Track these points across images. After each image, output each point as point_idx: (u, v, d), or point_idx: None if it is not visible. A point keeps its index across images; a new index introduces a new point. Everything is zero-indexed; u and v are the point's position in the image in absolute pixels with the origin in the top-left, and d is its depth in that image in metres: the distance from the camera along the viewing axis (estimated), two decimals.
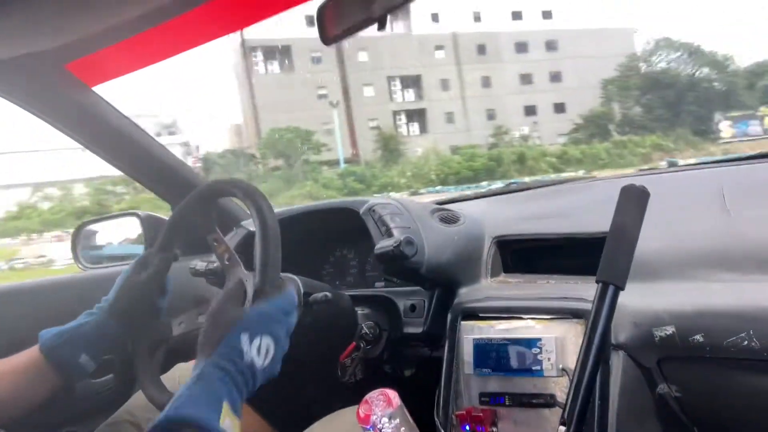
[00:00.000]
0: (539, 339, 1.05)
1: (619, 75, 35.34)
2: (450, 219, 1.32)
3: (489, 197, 1.68)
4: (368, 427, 0.92)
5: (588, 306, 1.04)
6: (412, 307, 1.30)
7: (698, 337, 0.92)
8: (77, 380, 1.04)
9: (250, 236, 1.40)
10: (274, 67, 35.61)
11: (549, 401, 1.03)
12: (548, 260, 1.28)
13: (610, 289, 0.86)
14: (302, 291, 1.14)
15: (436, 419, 1.15)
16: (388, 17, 0.79)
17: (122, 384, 1.51)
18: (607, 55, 35.24)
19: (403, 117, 36.66)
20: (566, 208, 1.36)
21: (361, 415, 0.94)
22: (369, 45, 36.39)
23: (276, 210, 0.99)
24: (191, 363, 1.00)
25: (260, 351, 0.81)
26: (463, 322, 1.16)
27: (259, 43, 34.29)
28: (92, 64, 1.25)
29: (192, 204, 1.09)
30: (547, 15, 38.03)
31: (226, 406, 0.74)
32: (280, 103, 33.30)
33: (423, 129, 36.61)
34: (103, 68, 1.30)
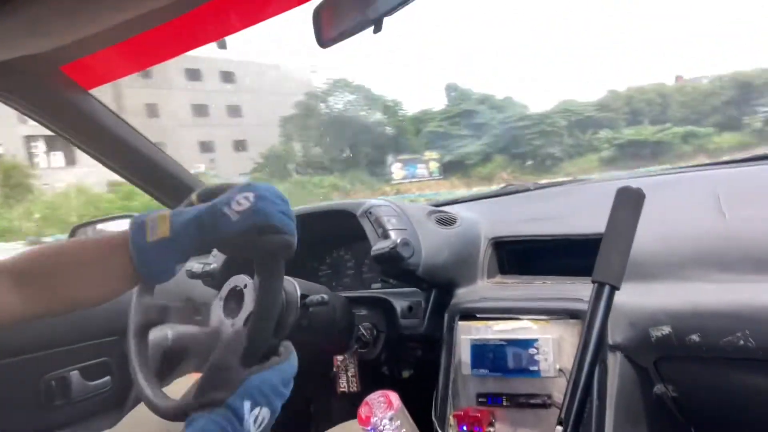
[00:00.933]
0: (536, 339, 1.05)
1: (298, 114, 33.80)
2: (446, 221, 1.33)
3: (485, 199, 1.68)
4: (369, 429, 0.92)
5: (584, 306, 1.04)
6: (409, 308, 1.30)
7: (694, 337, 0.93)
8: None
9: None
10: None
11: (546, 402, 1.03)
12: (544, 261, 1.29)
13: (606, 289, 0.86)
14: (299, 293, 1.14)
15: (434, 420, 1.16)
16: (384, 20, 0.79)
17: (119, 386, 1.51)
18: (287, 93, 32.93)
19: (41, 144, 29.05)
20: (562, 209, 1.36)
21: (362, 417, 0.94)
22: None
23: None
24: (195, 375, 0.99)
25: (257, 421, 0.81)
26: (460, 323, 1.17)
27: None
28: (88, 67, 1.25)
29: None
30: (221, 45, 34.56)
31: None
32: None
33: (71, 160, 29.14)
34: (98, 71, 1.29)
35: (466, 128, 28.26)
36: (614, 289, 0.86)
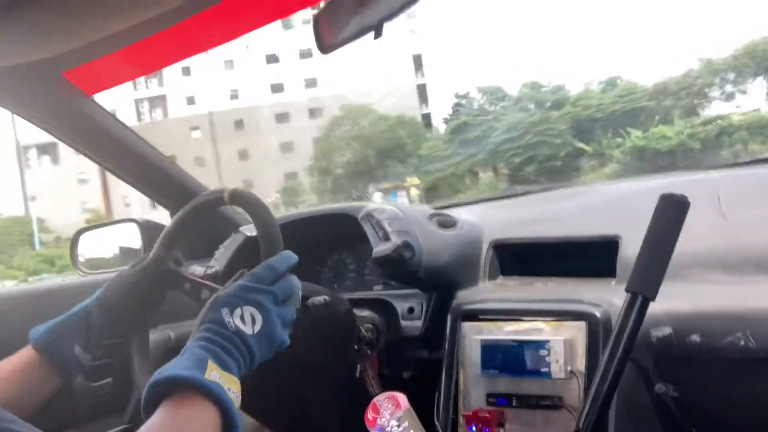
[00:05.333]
0: (548, 341, 1.04)
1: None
2: (447, 223, 1.33)
3: (486, 202, 1.69)
4: (376, 430, 0.93)
5: (585, 308, 1.05)
6: (410, 310, 1.30)
7: (695, 338, 0.93)
8: (75, 374, 1.02)
9: (248, 241, 1.40)
10: (45, 160, 37.89)
11: (557, 403, 1.03)
12: (545, 263, 1.29)
13: (639, 300, 0.82)
14: (301, 295, 1.14)
15: (436, 422, 1.16)
16: (384, 25, 0.80)
17: (121, 388, 1.51)
18: None
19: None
20: (562, 212, 1.37)
21: (369, 418, 0.94)
22: None
23: (275, 216, 1.00)
24: None
25: (244, 319, 0.79)
26: (471, 323, 1.17)
27: (34, 143, 36.36)
28: (90, 72, 1.25)
29: (189, 215, 1.10)
30: (311, 83, 37.71)
31: (211, 363, 0.72)
32: (48, 193, 35.66)
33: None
34: (101, 76, 1.30)
35: (460, 145, 24.87)
36: (648, 300, 0.82)
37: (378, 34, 0.81)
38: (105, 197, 34.64)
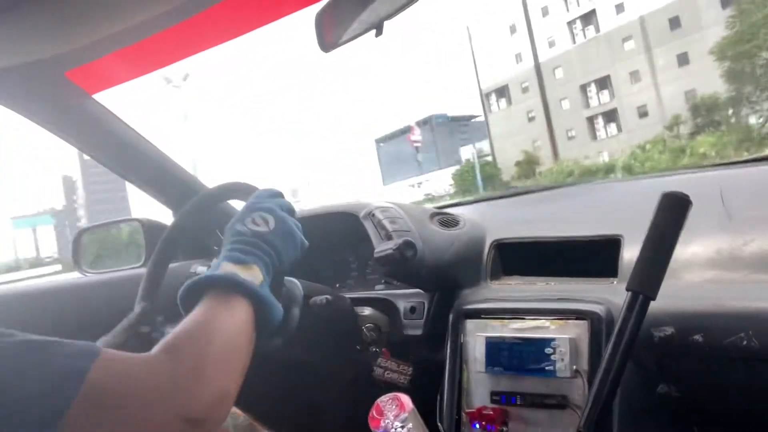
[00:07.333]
0: (553, 339, 1.04)
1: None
2: (449, 222, 1.33)
3: (489, 201, 1.69)
4: (380, 431, 0.92)
5: (587, 307, 1.05)
6: (412, 309, 1.30)
7: (697, 337, 0.93)
8: None
9: None
10: (503, 103, 41.82)
11: (561, 402, 1.03)
12: (546, 263, 1.29)
13: (640, 299, 0.83)
14: (303, 294, 1.14)
15: (438, 423, 1.16)
16: (385, 23, 0.80)
17: None
18: None
19: (600, 120, 36.11)
20: (564, 211, 1.37)
21: (373, 419, 0.94)
22: (563, 62, 37.29)
23: None
24: None
25: (256, 222, 0.84)
26: (475, 321, 1.16)
27: (492, 89, 41.55)
28: (92, 72, 1.25)
29: (183, 221, 1.11)
30: None
31: (225, 264, 0.78)
32: (506, 130, 39.42)
33: (618, 129, 35.09)
34: (103, 76, 1.30)
35: None
36: (649, 299, 0.83)
37: (379, 33, 0.81)
38: (549, 131, 35.81)
